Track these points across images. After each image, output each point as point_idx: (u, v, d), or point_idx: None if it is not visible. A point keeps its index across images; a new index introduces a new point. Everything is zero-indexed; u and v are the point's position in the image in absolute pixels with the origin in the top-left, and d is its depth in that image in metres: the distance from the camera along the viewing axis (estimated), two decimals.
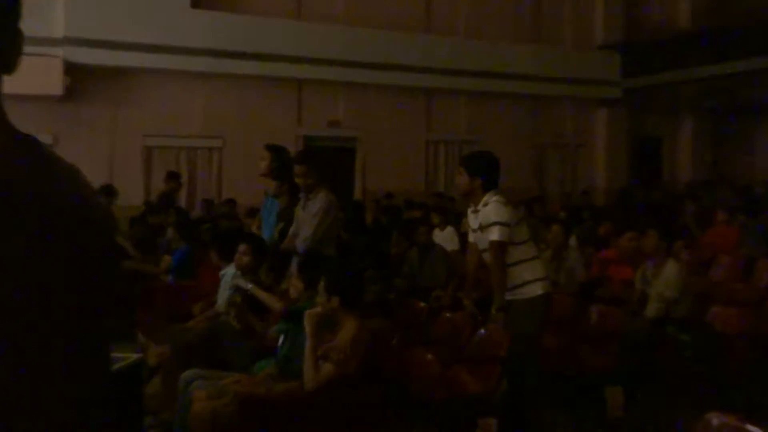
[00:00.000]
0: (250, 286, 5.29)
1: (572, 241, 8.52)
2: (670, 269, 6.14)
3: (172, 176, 10.85)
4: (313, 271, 4.62)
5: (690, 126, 17.98)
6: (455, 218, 10.17)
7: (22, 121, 1.14)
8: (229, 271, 5.92)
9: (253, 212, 9.42)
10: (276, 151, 6.29)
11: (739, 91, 15.49)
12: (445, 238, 9.50)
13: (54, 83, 10.95)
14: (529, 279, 4.80)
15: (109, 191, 9.66)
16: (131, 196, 11.71)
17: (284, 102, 13.36)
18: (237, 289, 5.42)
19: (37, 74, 10.39)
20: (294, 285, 4.85)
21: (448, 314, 5.74)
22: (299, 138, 13.26)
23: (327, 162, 6.34)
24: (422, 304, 6.14)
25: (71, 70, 11.19)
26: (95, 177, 11.41)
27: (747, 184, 16.37)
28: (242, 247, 5.79)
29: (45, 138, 11.05)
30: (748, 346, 5.96)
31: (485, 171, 4.85)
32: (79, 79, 11.45)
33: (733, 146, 18.25)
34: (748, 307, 6.48)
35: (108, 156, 12.16)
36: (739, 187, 15.44)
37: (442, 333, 5.55)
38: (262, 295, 5.20)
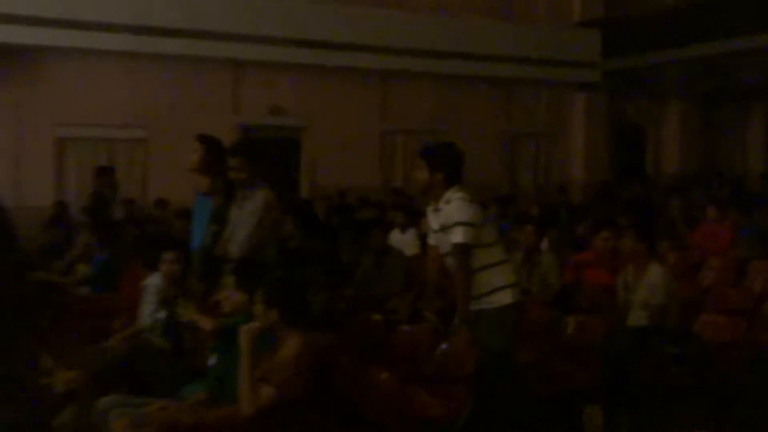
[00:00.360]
0: (186, 320, 5.13)
1: (546, 242, 8.58)
2: (654, 273, 6.21)
3: (102, 172, 10.66)
4: (250, 280, 4.57)
5: (677, 112, 18.32)
6: (414, 218, 10.19)
7: None
8: (152, 282, 5.84)
9: (184, 213, 9.31)
10: (209, 142, 6.22)
11: (733, 73, 15.71)
12: (405, 241, 9.51)
13: None
14: (497, 286, 4.84)
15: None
16: (40, 195, 11.51)
17: (219, 87, 13.27)
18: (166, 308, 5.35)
19: None
20: (227, 297, 4.79)
21: (405, 327, 5.74)
22: (236, 127, 13.17)
23: (268, 155, 6.30)
24: (377, 317, 6.14)
25: None
26: None
27: (740, 177, 16.72)
28: (169, 255, 5.72)
29: None
30: (741, 357, 6.06)
31: (447, 164, 4.87)
32: None
33: (726, 135, 18.60)
34: (741, 314, 6.59)
35: (12, 149, 11.92)
36: (731, 180, 15.74)
37: (399, 349, 5.54)
38: (202, 322, 5.05)
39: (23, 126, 11.99)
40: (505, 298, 4.82)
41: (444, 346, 5.07)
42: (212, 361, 4.55)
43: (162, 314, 5.55)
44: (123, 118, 12.60)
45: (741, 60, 14.35)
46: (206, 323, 4.97)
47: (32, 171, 11.85)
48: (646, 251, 6.34)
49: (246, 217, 5.66)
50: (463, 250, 4.73)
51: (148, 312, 5.79)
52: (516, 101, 16.28)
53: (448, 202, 4.82)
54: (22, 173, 11.65)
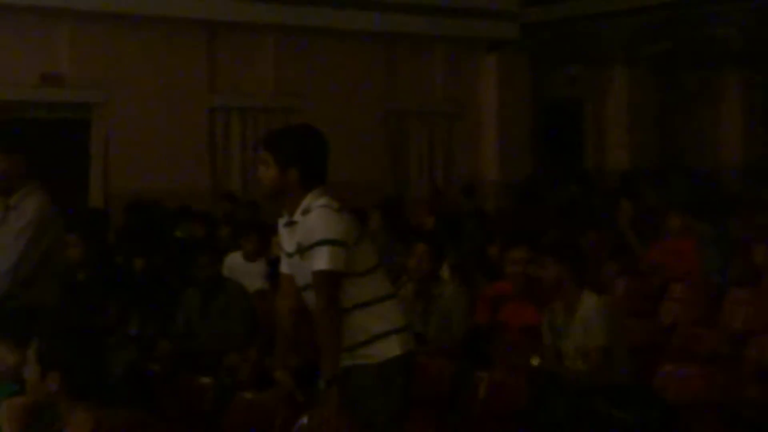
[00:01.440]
0: None
1: (447, 267, 8.69)
2: (589, 307, 6.35)
3: None
4: (19, 331, 4.49)
5: (625, 82, 18.83)
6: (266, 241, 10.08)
7: None
8: None
9: None
10: None
11: (699, 27, 16.10)
12: (251, 271, 9.46)
13: None
14: (378, 332, 4.87)
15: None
16: None
17: None
18: None
19: None
20: None
21: (249, 395, 5.73)
22: None
23: (40, 146, 6.18)
24: (206, 380, 6.10)
25: None
26: None
27: (710, 171, 17.18)
28: None
29: None
30: (716, 421, 6.25)
31: (304, 157, 4.89)
32: None
33: (691, 113, 19.11)
34: (716, 363, 6.80)
35: None
36: (698, 176, 16.15)
37: (239, 425, 5.51)
38: None
39: None
40: (391, 348, 4.86)
41: (303, 419, 5.07)
42: None
43: None
44: None
45: (710, 9, 14.72)
46: None
47: None
48: (573, 280, 6.47)
49: (11, 238, 5.54)
50: (330, 281, 4.74)
51: None
52: (402, 68, 16.44)
53: (306, 211, 4.82)
54: None
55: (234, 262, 9.54)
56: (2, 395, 4.40)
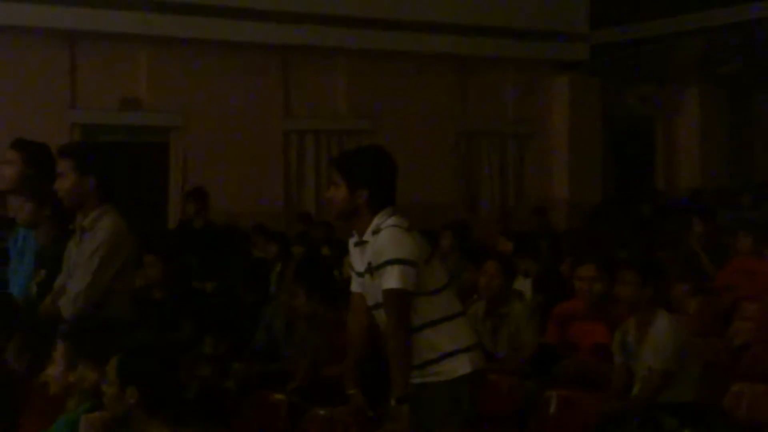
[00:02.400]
0: None
1: (520, 286, 8.66)
2: (662, 328, 6.28)
3: None
4: (97, 348, 4.54)
5: (697, 101, 18.61)
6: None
7: None
8: None
9: None
10: (30, 151, 6.17)
11: None
12: None
13: None
14: (448, 350, 4.86)
15: None
16: None
17: (49, 69, 13.10)
18: None
19: None
20: (56, 376, 4.73)
21: (321, 411, 5.72)
22: (73, 127, 13.08)
23: (117, 166, 6.24)
24: (279, 397, 6.13)
25: None
26: None
27: None
28: None
29: None
30: None
31: (374, 178, 4.91)
32: None
33: (761, 133, 18.89)
34: None
35: None
36: None
37: None
38: None
39: None
40: (460, 366, 4.84)
41: None
42: None
43: None
44: None
45: None
46: None
47: None
48: (650, 298, 6.38)
49: (84, 258, 5.59)
50: (400, 300, 4.74)
51: None
52: (473, 89, 16.41)
53: (376, 231, 4.83)
54: None
55: None
56: (81, 411, 4.46)
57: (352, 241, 5.05)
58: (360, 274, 5.00)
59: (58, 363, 4.80)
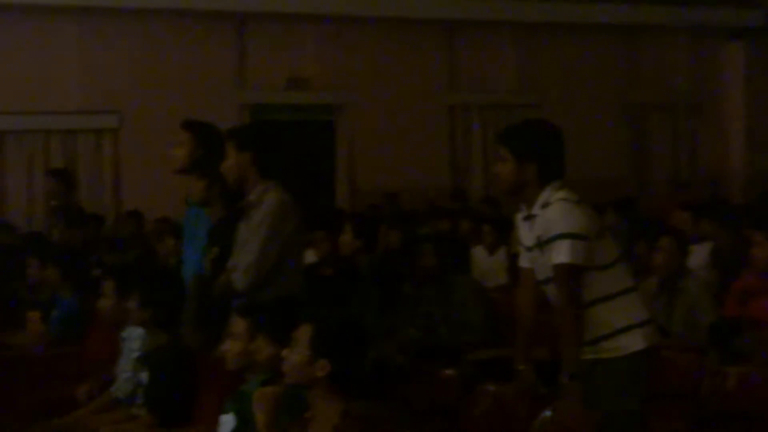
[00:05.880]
0: None
1: (693, 261, 8.46)
2: None
3: (55, 174, 10.80)
4: (273, 323, 4.60)
5: None
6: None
7: None
8: (135, 332, 5.91)
9: (169, 229, 9.43)
10: (200, 131, 6.31)
11: None
12: (490, 263, 9.51)
13: None
14: (622, 326, 4.78)
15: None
16: None
17: (217, 51, 13.38)
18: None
19: None
20: (233, 348, 4.81)
21: (491, 386, 5.66)
22: (242, 108, 13.36)
23: (284, 144, 6.33)
24: (450, 372, 6.10)
25: None
26: None
27: None
28: None
29: None
30: None
31: (542, 152, 4.84)
32: None
33: None
34: None
35: None
36: None
37: (481, 417, 5.51)
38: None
39: None
40: (634, 342, 4.76)
41: (546, 412, 5.02)
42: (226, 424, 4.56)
43: (146, 376, 5.60)
44: (81, 101, 12.82)
45: None
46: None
47: None
48: None
49: (251, 232, 5.69)
50: (570, 275, 4.67)
51: (127, 375, 5.85)
52: (642, 60, 16.24)
53: (545, 205, 4.77)
54: None
55: (477, 255, 9.58)
56: (256, 384, 4.51)
57: (520, 215, 4.99)
58: (529, 249, 4.94)
59: (236, 338, 4.87)
